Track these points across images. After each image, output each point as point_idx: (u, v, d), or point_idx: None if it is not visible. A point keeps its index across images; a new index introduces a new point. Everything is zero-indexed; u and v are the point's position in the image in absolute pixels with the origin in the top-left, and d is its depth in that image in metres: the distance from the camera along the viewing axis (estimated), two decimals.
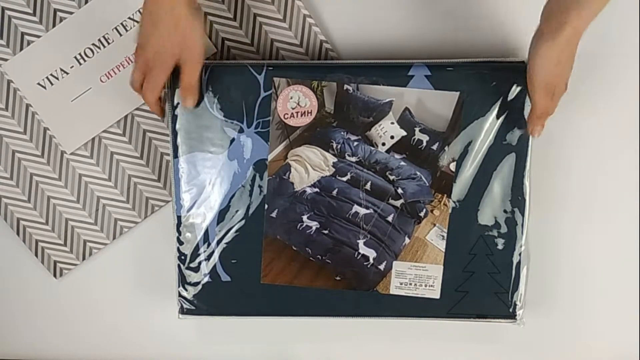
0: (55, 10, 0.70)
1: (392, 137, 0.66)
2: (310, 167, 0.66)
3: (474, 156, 0.65)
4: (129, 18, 0.71)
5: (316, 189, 0.67)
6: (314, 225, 0.67)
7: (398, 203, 0.66)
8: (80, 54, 0.71)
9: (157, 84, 0.61)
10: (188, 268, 0.67)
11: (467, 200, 0.66)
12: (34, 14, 0.70)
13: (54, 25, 0.71)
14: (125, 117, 0.72)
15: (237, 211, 0.66)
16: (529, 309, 0.69)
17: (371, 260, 0.67)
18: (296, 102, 0.65)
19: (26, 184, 0.72)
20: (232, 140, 0.66)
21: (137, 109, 0.72)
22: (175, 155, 0.66)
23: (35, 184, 0.72)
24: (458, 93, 0.64)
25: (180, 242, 0.67)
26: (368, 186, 0.66)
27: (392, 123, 0.65)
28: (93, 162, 0.73)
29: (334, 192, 0.66)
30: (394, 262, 0.67)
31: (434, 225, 0.66)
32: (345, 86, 0.65)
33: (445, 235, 0.66)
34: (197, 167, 0.66)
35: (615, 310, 0.74)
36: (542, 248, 0.72)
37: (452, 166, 0.65)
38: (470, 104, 0.64)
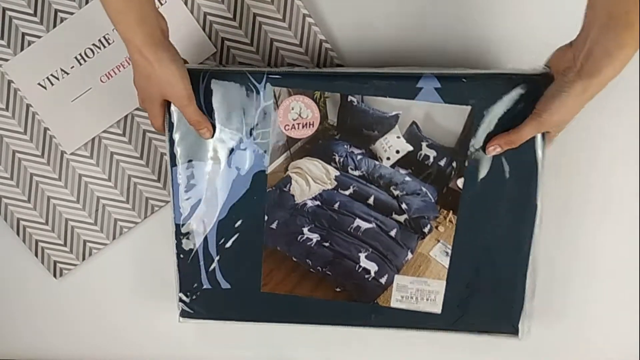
0: (55, 11, 0.71)
1: (397, 152, 0.64)
2: (311, 180, 0.65)
3: (483, 173, 0.62)
4: None
5: (317, 202, 0.65)
6: (315, 237, 0.65)
7: (402, 218, 0.65)
8: (80, 54, 0.71)
9: (155, 120, 0.63)
10: (187, 274, 0.66)
11: (475, 217, 0.63)
12: (35, 15, 0.71)
13: (54, 26, 0.71)
14: (125, 117, 0.72)
15: (236, 221, 0.65)
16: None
17: (372, 274, 0.65)
18: (297, 114, 0.63)
19: (26, 184, 0.73)
20: (232, 150, 0.64)
21: (137, 109, 0.72)
22: (174, 164, 0.64)
23: (35, 184, 0.73)
24: (469, 107, 0.61)
25: (180, 249, 0.66)
26: (371, 200, 0.65)
27: (398, 137, 0.63)
28: (93, 162, 0.73)
29: (336, 206, 0.65)
30: (396, 276, 0.65)
31: (438, 241, 0.65)
32: (349, 97, 0.62)
33: (449, 251, 0.64)
34: (196, 175, 0.64)
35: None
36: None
37: (460, 183, 0.63)
38: (482, 119, 0.61)
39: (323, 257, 0.65)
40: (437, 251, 0.65)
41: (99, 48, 0.71)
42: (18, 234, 0.73)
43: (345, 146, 0.64)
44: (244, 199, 0.65)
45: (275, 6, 0.70)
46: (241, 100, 0.63)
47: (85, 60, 0.71)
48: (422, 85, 0.61)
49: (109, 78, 0.72)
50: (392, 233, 0.65)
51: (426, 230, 0.64)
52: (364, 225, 0.65)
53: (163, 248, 0.71)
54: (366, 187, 0.65)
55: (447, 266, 0.65)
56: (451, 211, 0.64)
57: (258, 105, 0.63)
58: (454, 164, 0.63)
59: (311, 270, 0.66)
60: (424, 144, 0.63)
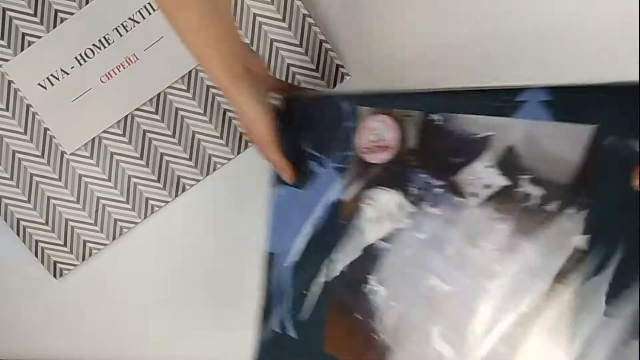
0: (56, 11, 0.71)
1: (486, 187, 0.46)
2: (383, 214, 0.53)
3: (623, 228, 0.38)
4: (130, 19, 0.71)
5: (388, 244, 0.51)
6: (382, 291, 0.51)
7: (492, 285, 0.44)
8: (80, 55, 0.71)
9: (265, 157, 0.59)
10: (264, 310, 0.60)
11: (604, 297, 0.39)
12: (35, 15, 0.71)
13: (54, 26, 0.71)
14: (125, 117, 0.72)
15: (311, 256, 0.57)
16: None
17: None
18: (377, 135, 0.53)
19: (26, 184, 0.73)
20: (314, 174, 0.57)
21: (137, 109, 0.72)
22: (274, 184, 0.60)
23: (35, 184, 0.73)
24: (593, 127, 0.40)
25: (265, 281, 0.60)
26: (451, 252, 0.47)
27: (489, 167, 0.46)
28: (93, 162, 0.73)
29: (408, 252, 0.50)
30: None
31: (544, 331, 0.42)
32: (432, 116, 0.49)
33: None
34: (288, 201, 0.59)
35: None
36: None
37: (581, 241, 0.40)
38: (613, 144, 0.39)
39: (389, 320, 0.50)
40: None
41: (99, 48, 0.71)
42: (18, 234, 0.73)
43: (423, 176, 0.50)
44: (319, 231, 0.56)
45: (275, 6, 0.70)
46: (325, 121, 0.57)
47: (85, 61, 0.72)
48: (526, 98, 0.44)
49: (109, 78, 0.72)
50: (477, 305, 0.45)
51: (525, 308, 0.42)
52: (441, 286, 0.47)
53: (162, 249, 0.72)
54: (446, 233, 0.48)
55: None
56: (565, 284, 0.41)
57: (339, 126, 0.55)
58: (571, 211, 0.41)
59: (374, 335, 0.51)
60: (524, 178, 0.43)
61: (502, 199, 0.45)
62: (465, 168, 0.47)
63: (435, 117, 0.49)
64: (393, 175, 0.52)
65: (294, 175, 0.58)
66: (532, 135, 0.43)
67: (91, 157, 0.73)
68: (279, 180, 0.60)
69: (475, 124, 0.46)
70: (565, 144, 0.41)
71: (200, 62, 0.54)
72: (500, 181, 0.45)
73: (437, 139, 0.49)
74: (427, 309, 0.48)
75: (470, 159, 0.47)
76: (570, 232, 0.40)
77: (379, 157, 0.53)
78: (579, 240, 0.40)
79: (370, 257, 0.52)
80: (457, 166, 0.47)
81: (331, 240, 0.55)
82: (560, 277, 0.40)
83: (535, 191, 0.43)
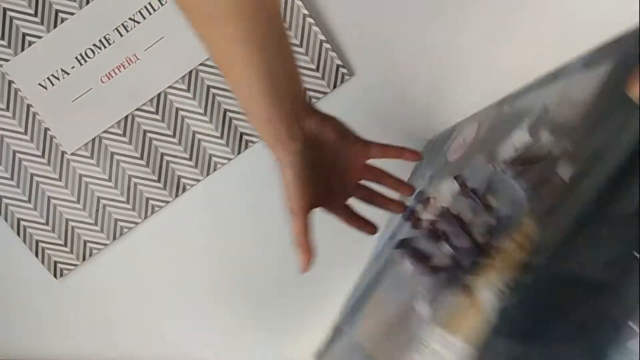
0: (56, 11, 0.71)
1: (515, 150, 0.44)
2: (439, 201, 0.52)
3: (611, 161, 0.30)
4: (130, 19, 0.71)
5: (430, 226, 0.51)
6: (409, 269, 0.50)
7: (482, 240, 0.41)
8: (81, 55, 0.71)
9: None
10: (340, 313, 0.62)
11: (570, 232, 0.30)
12: (35, 15, 0.71)
13: (55, 26, 0.71)
14: (126, 117, 0.72)
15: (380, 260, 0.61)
16: None
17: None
18: (463, 139, 0.56)
19: (26, 184, 0.73)
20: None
21: (137, 109, 0.72)
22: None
23: (36, 184, 0.73)
24: (608, 66, 0.36)
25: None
26: (467, 218, 0.45)
27: (523, 131, 0.44)
28: (93, 162, 0.73)
29: (442, 228, 0.48)
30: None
31: (501, 272, 0.34)
32: (503, 106, 0.51)
33: (502, 294, 0.32)
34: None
35: None
36: None
37: (563, 170, 0.34)
38: (622, 81, 0.33)
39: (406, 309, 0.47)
40: (490, 290, 0.34)
41: (100, 48, 0.71)
42: (18, 234, 0.73)
43: (477, 158, 0.49)
44: (395, 232, 0.60)
45: None
46: (436, 148, 0.63)
47: (85, 61, 0.72)
48: (572, 64, 0.42)
49: (109, 78, 0.72)
50: (465, 263, 0.41)
51: (494, 252, 0.37)
52: (441, 260, 0.45)
53: (162, 249, 0.72)
54: (471, 202, 0.46)
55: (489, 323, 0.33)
56: (534, 220, 0.34)
57: (444, 145, 0.61)
58: (570, 149, 0.36)
59: (400, 329, 0.46)
60: (544, 131, 0.40)
61: (523, 156, 0.42)
62: (507, 139, 0.45)
63: (505, 105, 0.50)
64: (457, 165, 0.53)
65: (309, 262, 0.52)
66: (565, 92, 0.41)
67: (91, 157, 0.73)
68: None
69: (526, 98, 0.46)
70: (585, 91, 0.38)
71: (249, 120, 0.50)
72: (526, 139, 0.42)
73: (496, 123, 0.50)
74: (436, 290, 0.43)
75: (513, 129, 0.45)
76: (559, 166, 0.35)
77: (456, 155, 0.56)
78: (564, 170, 0.34)
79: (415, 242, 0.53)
80: (502, 140, 0.46)
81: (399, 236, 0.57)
82: (534, 213, 0.35)
83: (549, 139, 0.39)
